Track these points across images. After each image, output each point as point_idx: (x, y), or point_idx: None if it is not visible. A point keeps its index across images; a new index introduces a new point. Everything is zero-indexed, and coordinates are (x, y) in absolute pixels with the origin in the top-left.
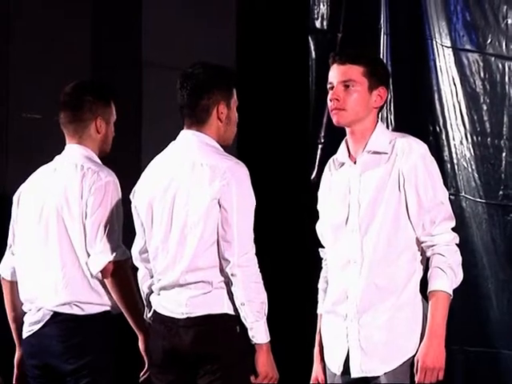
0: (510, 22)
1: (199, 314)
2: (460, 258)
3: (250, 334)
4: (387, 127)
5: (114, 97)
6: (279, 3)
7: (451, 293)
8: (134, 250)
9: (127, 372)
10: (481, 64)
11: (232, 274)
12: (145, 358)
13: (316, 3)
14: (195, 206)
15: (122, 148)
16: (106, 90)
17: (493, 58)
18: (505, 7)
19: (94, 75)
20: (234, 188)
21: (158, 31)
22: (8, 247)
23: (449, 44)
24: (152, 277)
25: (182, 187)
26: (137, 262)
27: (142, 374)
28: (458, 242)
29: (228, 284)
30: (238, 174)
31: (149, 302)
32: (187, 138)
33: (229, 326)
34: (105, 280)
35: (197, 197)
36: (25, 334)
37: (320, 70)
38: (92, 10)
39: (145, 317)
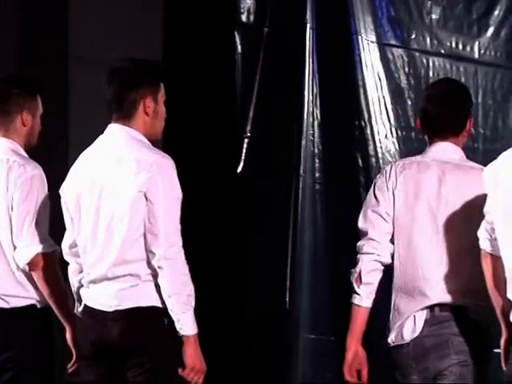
0: (434, 17)
1: (127, 306)
2: None
3: (177, 325)
4: (313, 121)
5: (40, 90)
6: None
7: None
8: (64, 245)
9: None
10: (405, 59)
11: (159, 267)
12: (72, 350)
13: None
14: (122, 199)
15: (50, 142)
16: (32, 84)
17: (417, 54)
18: (429, 3)
19: (19, 70)
20: (160, 181)
21: (84, 25)
22: None
23: (374, 39)
24: (82, 271)
25: (109, 181)
26: (67, 256)
27: (69, 365)
28: None
29: (155, 277)
30: (164, 167)
31: (79, 297)
32: (114, 132)
33: (157, 318)
34: (32, 272)
35: (123, 190)
36: None
37: (246, 64)
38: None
39: (75, 311)
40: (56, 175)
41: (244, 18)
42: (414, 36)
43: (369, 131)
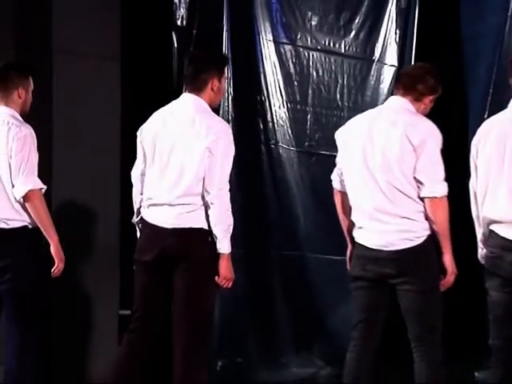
0: (313, 23)
1: (183, 226)
2: None
3: (218, 245)
4: (228, 97)
5: (30, 72)
6: (152, 7)
7: None
8: (134, 172)
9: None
10: (293, 53)
11: (211, 203)
12: (55, 259)
13: (177, 7)
14: (193, 152)
15: (35, 128)
16: (25, 68)
17: (301, 49)
18: (309, 13)
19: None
20: (222, 141)
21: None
22: None
23: (271, 38)
24: (142, 193)
25: (183, 137)
26: (134, 179)
27: (52, 270)
28: None
29: (206, 208)
30: (226, 132)
31: (138, 212)
32: (188, 99)
33: (203, 236)
34: (25, 203)
35: (195, 146)
36: None
37: (180, 57)
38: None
39: (132, 221)
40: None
41: (179, 22)
42: (299, 37)
43: (267, 104)
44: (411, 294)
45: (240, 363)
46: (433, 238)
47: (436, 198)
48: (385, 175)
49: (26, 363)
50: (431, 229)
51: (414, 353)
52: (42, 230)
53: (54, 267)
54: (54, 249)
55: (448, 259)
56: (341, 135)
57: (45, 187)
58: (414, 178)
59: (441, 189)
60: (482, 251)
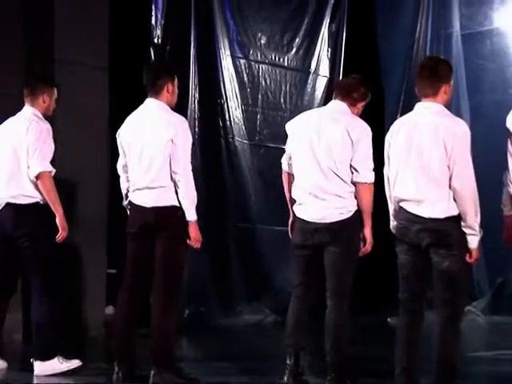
0: (262, 42)
1: (160, 204)
2: None
3: (187, 215)
4: (194, 100)
5: (53, 83)
6: (135, 27)
7: None
8: (118, 165)
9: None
10: (246, 65)
11: (178, 181)
12: (60, 228)
13: (154, 28)
14: (158, 144)
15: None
16: (50, 80)
17: (253, 63)
18: (259, 34)
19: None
20: (180, 132)
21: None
22: None
23: (229, 53)
24: (128, 181)
25: (150, 132)
26: (120, 171)
27: (57, 237)
28: None
29: (175, 187)
30: (183, 124)
31: (126, 196)
32: (150, 102)
33: (176, 210)
34: (37, 182)
35: (160, 138)
36: None
37: None
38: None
39: (123, 204)
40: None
41: (155, 40)
42: (251, 52)
43: (226, 106)
44: (336, 254)
45: (203, 311)
46: (359, 213)
47: (366, 183)
48: (327, 161)
49: (45, 313)
50: (358, 206)
51: (328, 302)
52: (50, 204)
53: (59, 235)
54: (60, 220)
55: (368, 232)
56: (291, 127)
57: (54, 170)
58: (351, 165)
59: (370, 176)
60: (393, 223)
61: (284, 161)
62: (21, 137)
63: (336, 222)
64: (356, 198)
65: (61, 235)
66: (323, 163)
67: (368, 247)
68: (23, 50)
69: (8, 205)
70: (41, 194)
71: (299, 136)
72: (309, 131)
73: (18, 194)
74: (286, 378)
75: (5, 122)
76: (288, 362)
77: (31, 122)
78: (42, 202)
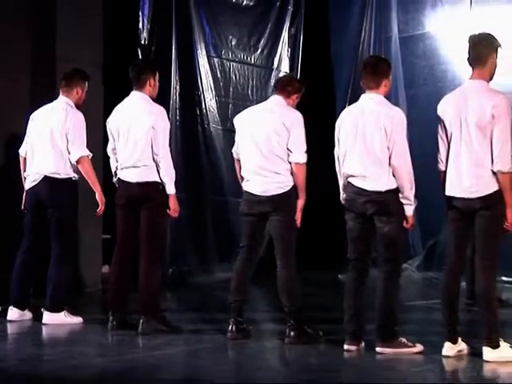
0: (233, 43)
1: (143, 180)
2: None
3: (167, 189)
4: (175, 93)
5: (87, 77)
6: (125, 31)
7: None
8: (108, 148)
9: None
10: (219, 63)
11: (159, 161)
12: (99, 203)
13: (141, 32)
14: (142, 129)
15: None
16: (85, 74)
17: (225, 61)
18: (230, 36)
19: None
20: (160, 119)
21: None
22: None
23: (205, 53)
24: (117, 161)
25: (135, 119)
26: (109, 154)
27: (98, 211)
28: None
29: (157, 166)
30: (162, 112)
31: (115, 174)
32: (135, 95)
33: (157, 186)
34: (78, 165)
35: (142, 125)
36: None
37: None
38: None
39: (113, 181)
40: None
41: (142, 42)
42: (223, 52)
43: (202, 97)
44: (278, 222)
45: (184, 270)
46: (295, 188)
47: (299, 163)
48: (266, 146)
49: (61, 273)
50: (294, 181)
51: (277, 262)
52: (90, 183)
53: (99, 209)
54: (99, 196)
55: (301, 203)
56: (237, 121)
57: (91, 154)
58: (287, 147)
59: (303, 158)
60: (342, 195)
61: (235, 150)
62: (59, 123)
63: (276, 195)
64: (292, 175)
65: (100, 209)
66: (263, 148)
67: (299, 215)
68: (29, 50)
69: (46, 178)
70: (74, 172)
71: (244, 128)
72: (251, 123)
73: (57, 170)
74: (230, 328)
75: (42, 108)
76: (232, 314)
77: (69, 112)
78: (74, 179)
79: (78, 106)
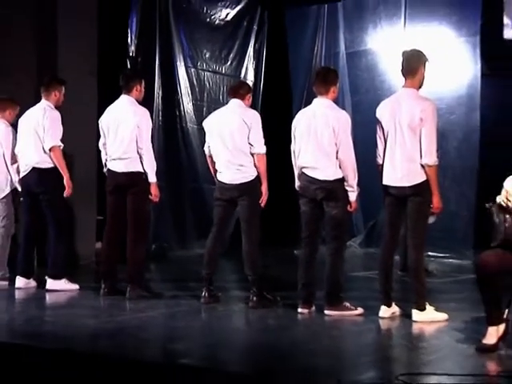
0: (207, 56)
1: (129, 170)
2: None
3: (149, 177)
4: (158, 97)
5: (63, 83)
6: (117, 44)
7: None
8: (100, 143)
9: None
10: (195, 72)
11: (142, 154)
12: (66, 187)
13: (130, 45)
14: (128, 127)
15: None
16: (61, 80)
17: (200, 71)
18: (204, 50)
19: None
20: (144, 119)
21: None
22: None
23: (183, 64)
24: (106, 154)
25: (123, 119)
26: (101, 147)
27: (65, 192)
28: None
29: (141, 158)
30: (145, 114)
31: (105, 165)
32: (124, 98)
33: (140, 175)
34: (50, 153)
35: (129, 123)
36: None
37: None
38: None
39: (103, 171)
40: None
41: (131, 53)
42: (199, 63)
43: (181, 101)
44: (244, 206)
45: (165, 246)
46: (258, 177)
47: (260, 153)
48: (231, 142)
49: (59, 249)
50: (257, 171)
51: (243, 238)
52: (60, 169)
53: (66, 191)
54: (66, 181)
55: (264, 188)
56: (206, 123)
57: (62, 145)
58: (249, 142)
59: (263, 149)
60: (297, 183)
61: (206, 148)
62: (39, 121)
63: (242, 183)
64: (255, 166)
65: (67, 192)
66: (229, 145)
67: (264, 198)
68: (35, 59)
69: (33, 169)
70: (53, 161)
71: (212, 128)
72: (217, 124)
73: (41, 160)
74: (203, 294)
75: (27, 111)
76: (205, 283)
77: (46, 111)
78: (56, 168)
79: (58, 107)
